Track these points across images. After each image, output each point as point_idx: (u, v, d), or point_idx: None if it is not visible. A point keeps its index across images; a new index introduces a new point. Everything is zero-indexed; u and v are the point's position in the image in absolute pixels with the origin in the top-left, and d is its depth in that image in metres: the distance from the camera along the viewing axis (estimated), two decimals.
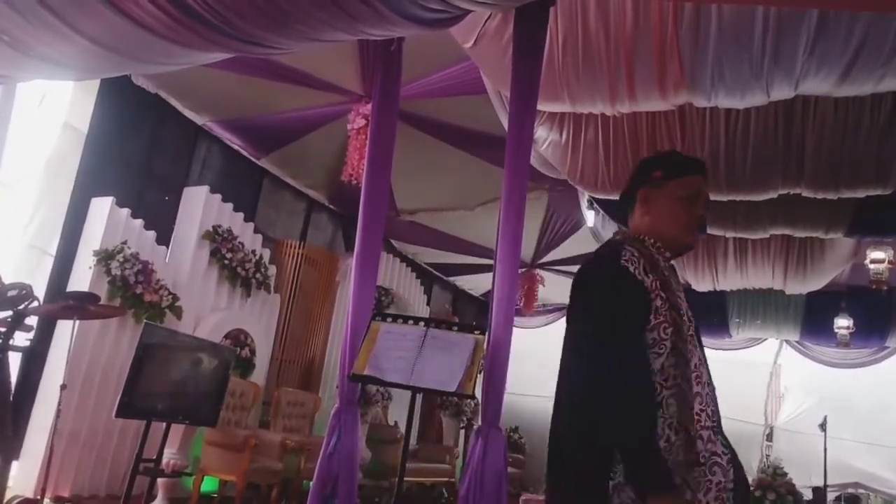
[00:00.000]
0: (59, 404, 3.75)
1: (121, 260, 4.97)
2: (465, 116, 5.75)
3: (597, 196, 5.34)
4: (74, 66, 3.52)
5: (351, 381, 3.41)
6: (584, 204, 6.30)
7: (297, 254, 7.21)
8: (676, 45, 3.35)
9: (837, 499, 8.71)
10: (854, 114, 4.14)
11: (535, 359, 9.86)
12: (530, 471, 10.11)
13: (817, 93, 3.68)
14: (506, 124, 3.73)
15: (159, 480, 4.77)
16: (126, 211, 5.20)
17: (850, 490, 9.12)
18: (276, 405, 6.21)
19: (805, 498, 8.04)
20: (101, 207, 5.09)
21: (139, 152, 5.80)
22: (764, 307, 8.43)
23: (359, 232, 3.81)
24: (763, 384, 10.17)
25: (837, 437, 8.41)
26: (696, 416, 1.52)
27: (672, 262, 1.78)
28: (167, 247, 5.69)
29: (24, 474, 4.49)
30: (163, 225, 5.70)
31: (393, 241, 9.00)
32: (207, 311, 5.91)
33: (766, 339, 9.81)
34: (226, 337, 5.91)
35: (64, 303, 3.81)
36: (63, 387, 3.75)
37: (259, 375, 6.25)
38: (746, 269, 6.83)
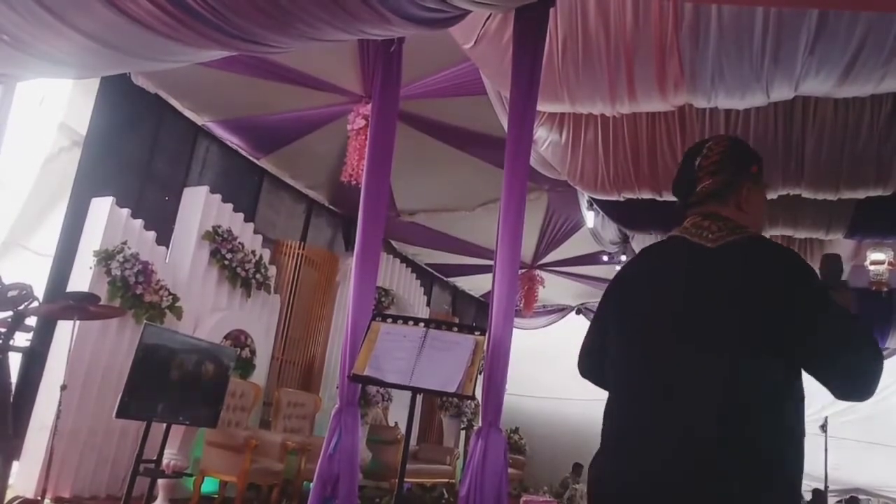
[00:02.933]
0: (60, 405, 3.74)
1: (121, 260, 4.97)
2: (465, 117, 5.75)
3: (597, 196, 5.34)
4: (74, 64, 3.52)
5: (351, 382, 3.40)
6: (583, 204, 6.29)
7: (298, 254, 7.21)
8: (676, 45, 3.35)
9: (838, 503, 8.71)
10: (854, 114, 4.14)
11: (535, 359, 9.88)
12: (530, 471, 10.11)
13: (817, 93, 3.68)
14: (506, 125, 3.72)
15: (160, 481, 4.77)
16: (126, 211, 5.20)
17: (852, 494, 9.12)
18: (277, 406, 6.21)
19: (805, 500, 8.04)
20: (101, 207, 5.09)
21: (139, 152, 5.80)
22: None
23: (359, 232, 3.81)
24: None
25: (838, 438, 8.41)
26: None
27: None
28: (167, 247, 5.69)
29: (24, 475, 4.49)
30: (163, 225, 5.70)
31: (393, 242, 9.01)
32: (207, 311, 5.90)
33: None
34: (226, 337, 5.92)
35: (64, 303, 3.81)
36: (63, 387, 3.74)
37: (259, 376, 6.25)
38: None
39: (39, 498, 3.92)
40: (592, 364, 1.81)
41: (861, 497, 9.13)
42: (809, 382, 1.54)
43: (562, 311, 11.39)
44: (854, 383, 1.47)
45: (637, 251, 7.07)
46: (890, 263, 6.50)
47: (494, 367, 3.20)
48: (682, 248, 1.67)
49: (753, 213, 1.72)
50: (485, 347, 3.01)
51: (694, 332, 1.54)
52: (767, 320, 1.48)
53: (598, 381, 1.79)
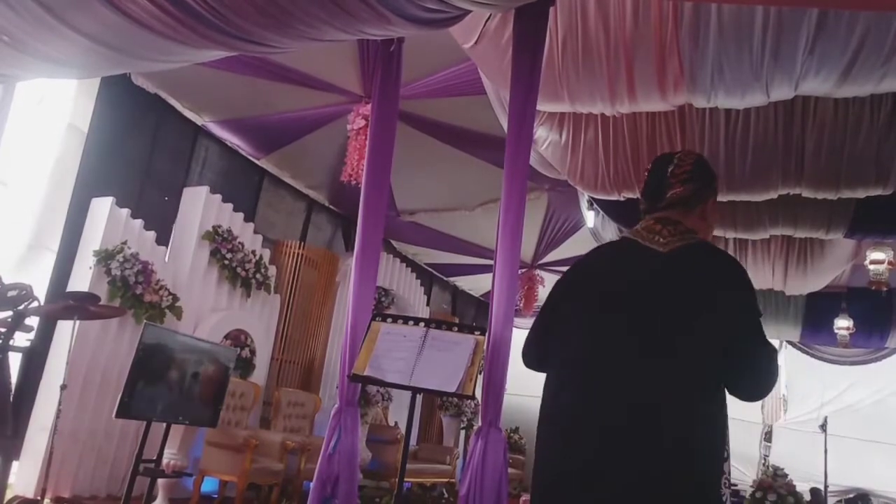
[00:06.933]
0: (60, 404, 3.75)
1: (121, 260, 4.97)
2: (465, 117, 5.75)
3: (597, 196, 5.33)
4: (74, 65, 3.52)
5: (351, 382, 3.40)
6: (583, 204, 6.29)
7: (297, 254, 7.21)
8: (676, 44, 3.35)
9: (838, 503, 8.71)
10: (854, 114, 4.14)
11: None
12: (530, 471, 10.09)
13: (817, 93, 3.67)
14: (505, 125, 3.72)
15: (159, 481, 4.77)
16: (126, 211, 5.20)
17: (855, 493, 9.12)
18: (277, 405, 6.21)
19: (805, 499, 8.03)
20: (101, 207, 5.09)
21: (139, 152, 5.80)
22: (764, 308, 8.37)
23: (359, 232, 3.81)
24: None
25: (838, 437, 8.41)
26: None
27: None
28: (167, 247, 5.69)
29: (24, 474, 4.49)
30: (163, 225, 5.70)
31: (393, 241, 9.00)
32: (207, 311, 5.90)
33: None
34: (226, 337, 5.91)
35: (64, 303, 3.81)
36: (63, 387, 3.75)
37: (259, 376, 6.25)
38: (746, 270, 6.82)
39: (39, 498, 3.92)
40: (538, 353, 1.88)
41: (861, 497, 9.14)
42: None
43: None
44: (767, 387, 1.64)
45: None
46: (890, 263, 6.50)
47: (494, 367, 3.20)
48: (633, 251, 1.75)
49: (712, 223, 1.85)
50: (485, 347, 3.02)
51: (643, 333, 1.62)
52: (712, 322, 1.60)
53: (540, 367, 1.86)
